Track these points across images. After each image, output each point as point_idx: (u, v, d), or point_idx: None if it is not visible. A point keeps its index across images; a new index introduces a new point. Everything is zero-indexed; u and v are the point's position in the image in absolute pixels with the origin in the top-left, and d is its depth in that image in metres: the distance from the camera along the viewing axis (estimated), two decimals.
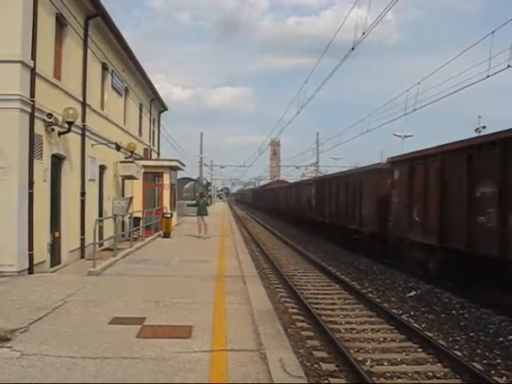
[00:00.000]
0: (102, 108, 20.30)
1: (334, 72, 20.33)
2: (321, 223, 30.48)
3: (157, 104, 35.18)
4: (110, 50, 20.81)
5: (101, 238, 18.01)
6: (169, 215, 24.98)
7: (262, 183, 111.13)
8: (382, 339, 9.87)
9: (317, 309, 12.06)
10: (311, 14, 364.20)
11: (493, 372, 8.00)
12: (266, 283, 14.79)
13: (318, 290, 14.96)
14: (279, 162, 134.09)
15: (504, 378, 7.75)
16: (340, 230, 25.99)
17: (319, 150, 65.62)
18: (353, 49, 16.14)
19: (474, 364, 8.21)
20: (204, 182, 75.61)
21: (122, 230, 21.49)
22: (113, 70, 21.55)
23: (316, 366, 8.21)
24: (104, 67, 20.35)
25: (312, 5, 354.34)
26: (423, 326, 10.82)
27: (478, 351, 9.12)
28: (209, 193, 78.03)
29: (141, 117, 29.57)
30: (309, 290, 14.87)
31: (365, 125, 30.92)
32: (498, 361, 8.56)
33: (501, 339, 9.71)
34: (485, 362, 8.54)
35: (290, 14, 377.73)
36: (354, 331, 10.45)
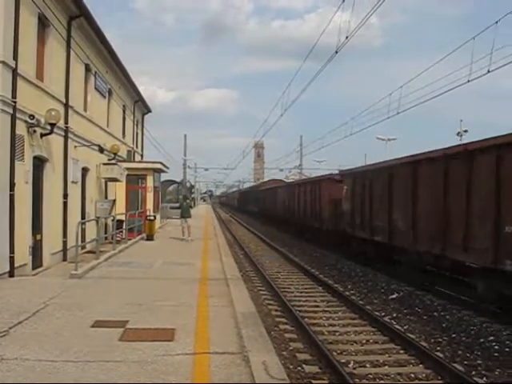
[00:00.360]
0: (85, 110, 20.19)
1: (317, 75, 20.35)
2: (362, 242, 19.78)
3: (140, 106, 35.06)
4: (94, 51, 20.71)
5: (83, 240, 17.88)
6: (152, 218, 24.85)
7: (246, 185, 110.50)
8: (364, 341, 9.93)
9: (300, 311, 12.08)
10: (296, 17, 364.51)
11: (474, 373, 8.09)
12: (250, 286, 14.78)
13: (301, 292, 15.00)
14: (263, 164, 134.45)
15: (484, 379, 7.84)
16: (420, 259, 14.92)
17: (303, 152, 65.79)
18: (336, 52, 16.23)
19: (456, 365, 8.30)
20: (188, 185, 75.55)
21: (105, 233, 21.37)
22: (96, 72, 21.44)
23: (299, 368, 8.23)
24: (87, 69, 20.24)
25: (297, 8, 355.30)
26: (405, 327, 10.89)
27: (460, 352, 9.21)
28: (192, 195, 77.84)
29: (124, 119, 29.44)
30: (292, 292, 14.90)
31: (348, 128, 30.95)
32: (479, 361, 8.66)
33: (482, 340, 9.85)
34: (466, 362, 8.63)
35: (275, 17, 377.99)
36: (337, 333, 10.49)
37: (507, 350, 9.28)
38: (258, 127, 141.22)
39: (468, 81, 15.75)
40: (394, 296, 14.07)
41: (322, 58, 19.65)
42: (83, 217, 19.41)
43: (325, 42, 20.65)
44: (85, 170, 20.11)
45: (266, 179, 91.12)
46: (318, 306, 13.06)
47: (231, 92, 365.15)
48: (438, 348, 9.47)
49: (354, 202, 20.85)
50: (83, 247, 17.96)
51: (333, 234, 24.41)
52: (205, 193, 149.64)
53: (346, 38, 15.00)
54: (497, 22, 14.48)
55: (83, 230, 18.10)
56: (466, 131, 43.31)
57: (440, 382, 7.80)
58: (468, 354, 9.09)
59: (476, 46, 15.41)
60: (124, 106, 28.95)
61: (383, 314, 12.14)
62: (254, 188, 70.47)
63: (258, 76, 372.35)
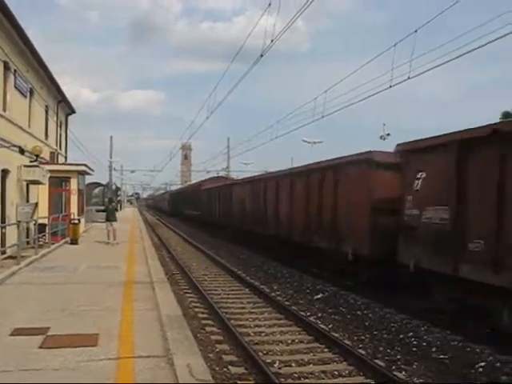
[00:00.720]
0: (5, 109, 19.48)
1: (243, 78, 20.38)
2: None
3: (64, 106, 34.12)
4: (13, 49, 19.99)
5: (3, 245, 17.25)
6: (76, 221, 24.29)
7: (173, 188, 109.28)
8: (290, 341, 10.06)
9: (226, 313, 12.11)
10: (224, 19, 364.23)
11: (394, 368, 8.38)
12: (176, 288, 14.68)
13: (227, 294, 15.03)
14: (190, 166, 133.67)
15: (403, 373, 8.14)
16: None
17: (230, 154, 66.02)
18: (261, 55, 16.38)
19: (377, 361, 8.57)
20: (114, 187, 74.09)
21: (27, 237, 20.69)
22: (16, 70, 20.71)
23: (225, 369, 8.24)
24: (6, 67, 19.52)
25: (225, 10, 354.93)
26: (330, 326, 11.12)
27: (381, 349, 9.52)
28: (118, 198, 76.44)
29: (47, 119, 28.59)
30: (219, 294, 14.91)
31: (274, 131, 30.77)
32: (399, 357, 9.00)
33: (402, 336, 10.23)
34: (387, 358, 8.93)
35: (204, 19, 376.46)
36: (263, 334, 10.57)
37: (424, 344, 9.69)
38: (185, 129, 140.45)
39: (390, 86, 16.23)
40: (319, 296, 14.34)
41: (249, 60, 19.76)
42: (3, 221, 18.73)
43: (252, 44, 20.78)
44: (4, 172, 19.39)
45: (193, 181, 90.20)
46: (244, 308, 13.12)
47: (158, 93, 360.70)
48: (361, 345, 9.73)
49: (463, 201, 10.46)
50: (3, 252, 17.29)
51: (378, 268, 13.53)
52: (131, 195, 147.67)
53: (271, 41, 15.19)
54: (416, 31, 15.03)
55: (3, 235, 17.47)
56: (388, 134, 44.85)
57: (362, 378, 8.03)
58: (389, 350, 9.41)
59: (398, 53, 15.90)
60: (47, 106, 28.12)
61: (308, 313, 12.34)
62: (193, 187, 55.75)
63: (186, 77, 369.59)
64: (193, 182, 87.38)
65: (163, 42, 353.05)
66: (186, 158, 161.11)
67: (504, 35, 11.31)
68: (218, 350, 9.33)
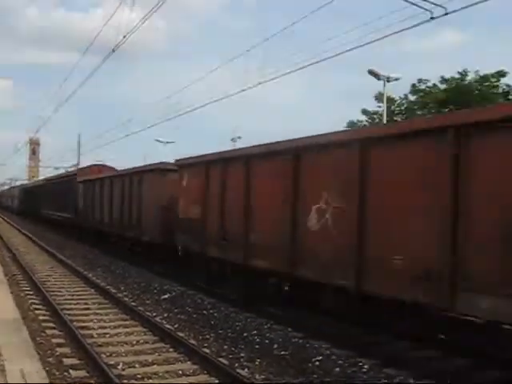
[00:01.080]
0: None
1: (94, 72, 19.91)
2: None
3: None
4: None
5: None
6: None
7: (18, 183, 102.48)
8: (135, 342, 9.93)
9: (69, 315, 11.69)
10: (80, 10, 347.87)
11: (237, 365, 8.57)
12: (16, 290, 13.91)
13: (72, 295, 14.53)
14: (39, 162, 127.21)
15: (246, 370, 8.36)
16: None
17: (83, 151, 63.92)
18: (113, 51, 16.09)
19: (221, 359, 8.71)
20: None
21: None
22: None
23: (65, 373, 7.93)
24: None
25: (82, 1, 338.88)
26: (176, 326, 11.12)
27: (225, 347, 9.69)
28: None
29: None
30: (63, 295, 14.36)
31: (127, 128, 30.37)
32: (242, 354, 9.22)
33: (245, 334, 10.52)
34: (231, 356, 9.11)
35: (58, 7, 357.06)
36: (108, 335, 10.34)
37: (267, 341, 10.03)
38: (34, 122, 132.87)
39: (242, 90, 16.67)
40: (166, 296, 14.33)
41: (104, 54, 19.21)
42: None
43: (109, 38, 20.26)
44: None
45: (41, 177, 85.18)
46: (88, 309, 12.75)
47: (5, 82, 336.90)
48: (206, 344, 9.82)
49: None
50: None
51: None
52: None
53: (124, 37, 14.99)
54: (268, 39, 15.64)
55: None
56: (239, 137, 46.55)
57: (206, 376, 8.13)
58: (233, 348, 9.60)
59: (252, 59, 16.39)
60: None
61: (155, 314, 12.24)
62: (61, 179, 40.49)
63: (40, 67, 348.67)
64: (41, 177, 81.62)
65: (11, 28, 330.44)
66: (33, 153, 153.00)
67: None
68: (58, 353, 8.94)
